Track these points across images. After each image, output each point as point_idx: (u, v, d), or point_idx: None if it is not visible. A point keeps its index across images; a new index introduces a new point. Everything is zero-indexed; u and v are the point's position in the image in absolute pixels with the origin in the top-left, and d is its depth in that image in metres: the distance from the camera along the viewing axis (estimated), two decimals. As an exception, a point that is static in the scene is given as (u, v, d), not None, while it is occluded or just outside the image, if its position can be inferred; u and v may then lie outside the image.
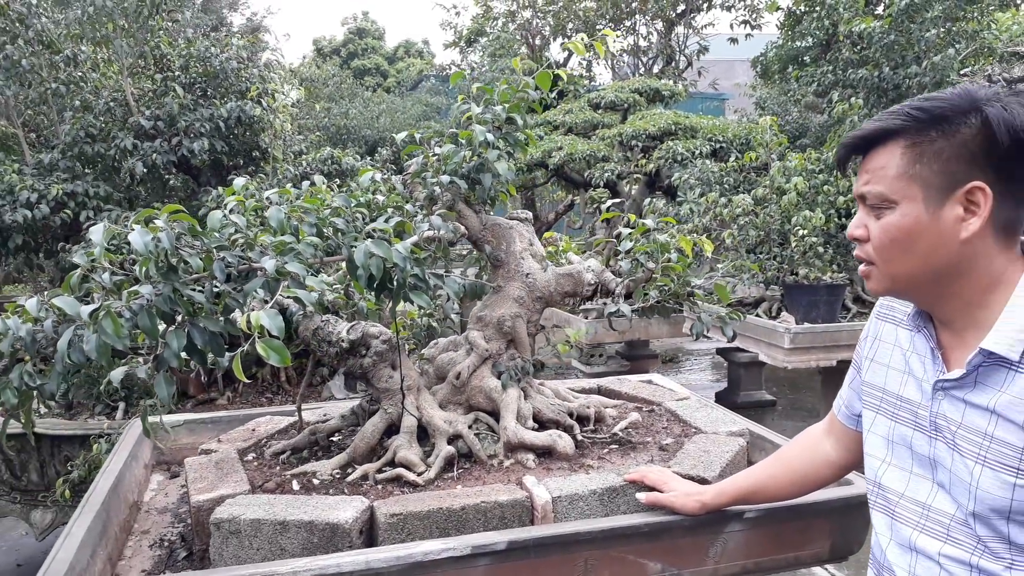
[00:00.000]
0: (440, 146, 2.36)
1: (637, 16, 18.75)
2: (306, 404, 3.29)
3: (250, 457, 2.37)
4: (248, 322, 1.56)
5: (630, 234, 2.45)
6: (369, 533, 1.89)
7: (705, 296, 2.46)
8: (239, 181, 2.06)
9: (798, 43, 11.00)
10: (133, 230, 1.56)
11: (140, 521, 2.34)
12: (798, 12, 10.26)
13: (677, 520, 1.89)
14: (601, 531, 1.82)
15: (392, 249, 1.86)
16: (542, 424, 2.37)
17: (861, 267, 1.25)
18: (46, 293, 1.66)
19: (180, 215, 1.66)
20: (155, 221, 1.63)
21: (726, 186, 6.82)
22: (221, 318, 1.75)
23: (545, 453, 2.25)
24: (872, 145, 1.18)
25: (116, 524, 2.09)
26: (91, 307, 1.51)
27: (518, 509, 1.92)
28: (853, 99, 6.36)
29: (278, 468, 2.26)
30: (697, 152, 7.60)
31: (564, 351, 2.49)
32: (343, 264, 2.67)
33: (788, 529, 2.02)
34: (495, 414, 2.33)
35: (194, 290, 1.69)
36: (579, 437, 2.35)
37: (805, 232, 5.60)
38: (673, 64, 19.06)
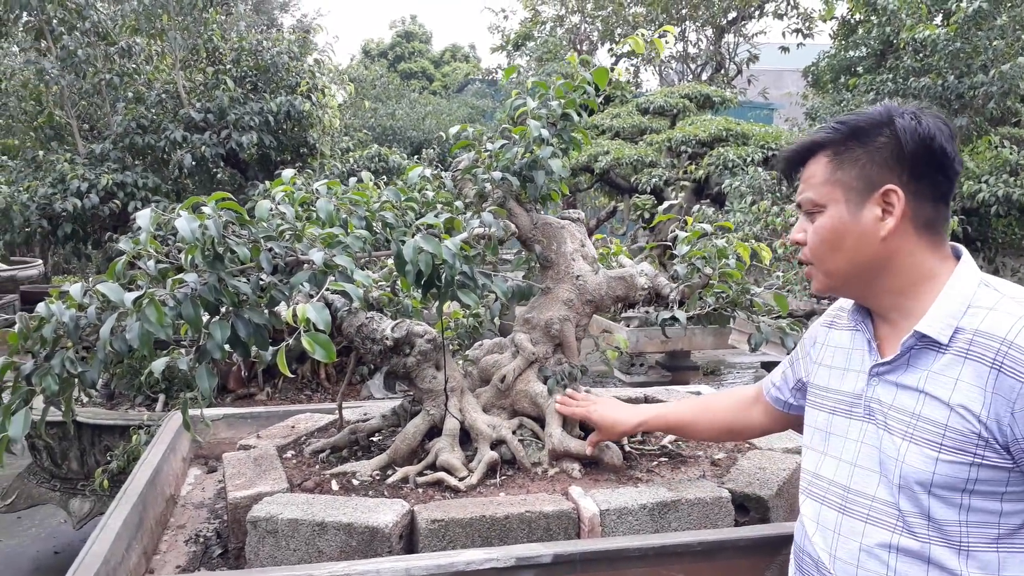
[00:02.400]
0: (492, 142, 2.30)
1: (687, 22, 18.56)
2: (346, 403, 3.25)
3: (289, 454, 2.33)
4: (294, 315, 1.52)
5: (686, 237, 2.37)
6: (409, 538, 1.84)
7: (764, 306, 2.36)
8: (287, 172, 2.02)
9: (851, 53, 10.75)
10: (180, 216, 1.52)
11: (176, 515, 2.32)
12: (852, 21, 10.02)
13: (732, 539, 1.80)
14: (652, 548, 1.73)
15: (442, 245, 1.80)
16: (588, 433, 2.29)
17: (805, 269, 1.38)
18: (91, 280, 1.64)
19: (228, 203, 1.62)
20: (202, 209, 1.60)
21: (778, 195, 6.66)
22: (266, 310, 1.72)
23: (591, 463, 2.17)
24: (805, 157, 1.33)
25: (152, 517, 2.07)
26: (135, 294, 1.48)
27: (564, 521, 1.85)
28: (915, 108, 6.14)
29: (317, 467, 2.22)
30: (749, 159, 7.45)
31: (613, 357, 2.41)
32: (389, 260, 2.63)
33: (850, 555, 1.91)
34: (540, 420, 2.26)
35: (240, 280, 1.65)
36: (627, 448, 2.27)
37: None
38: (722, 71, 18.83)
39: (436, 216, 1.90)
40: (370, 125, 14.08)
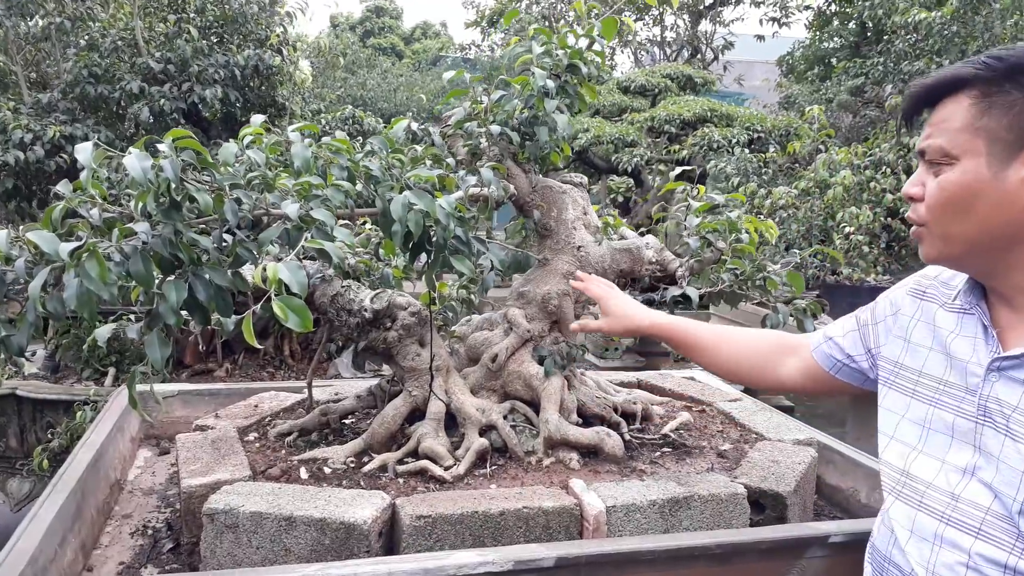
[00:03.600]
0: (487, 94, 2.09)
1: (665, 6, 18.32)
2: (314, 382, 3.03)
3: (251, 437, 2.11)
4: (263, 275, 1.30)
5: (698, 208, 2.18)
6: (390, 536, 1.63)
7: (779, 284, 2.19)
8: (257, 117, 1.78)
9: (826, 44, 10.70)
10: (130, 154, 1.29)
11: (122, 503, 2.09)
12: (828, 13, 9.94)
13: (754, 540, 1.63)
14: (666, 551, 1.55)
15: (435, 203, 1.59)
16: (586, 419, 2.11)
17: (913, 229, 1.17)
18: (21, 228, 1.40)
19: (188, 141, 1.39)
20: (157, 147, 1.36)
21: (764, 177, 6.53)
22: (229, 271, 1.49)
23: (590, 453, 1.99)
24: (940, 96, 1.10)
25: (93, 506, 1.84)
26: (73, 245, 1.25)
27: (565, 518, 1.66)
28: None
29: (283, 452, 2.00)
30: (735, 140, 7.31)
31: (616, 337, 2.21)
32: (367, 226, 2.40)
33: (875, 559, 1.76)
34: (534, 404, 2.07)
35: (199, 233, 1.42)
36: (627, 437, 2.09)
37: (852, 230, 5.31)
38: (698, 56, 18.69)
39: (428, 170, 1.68)
40: (340, 95, 13.68)
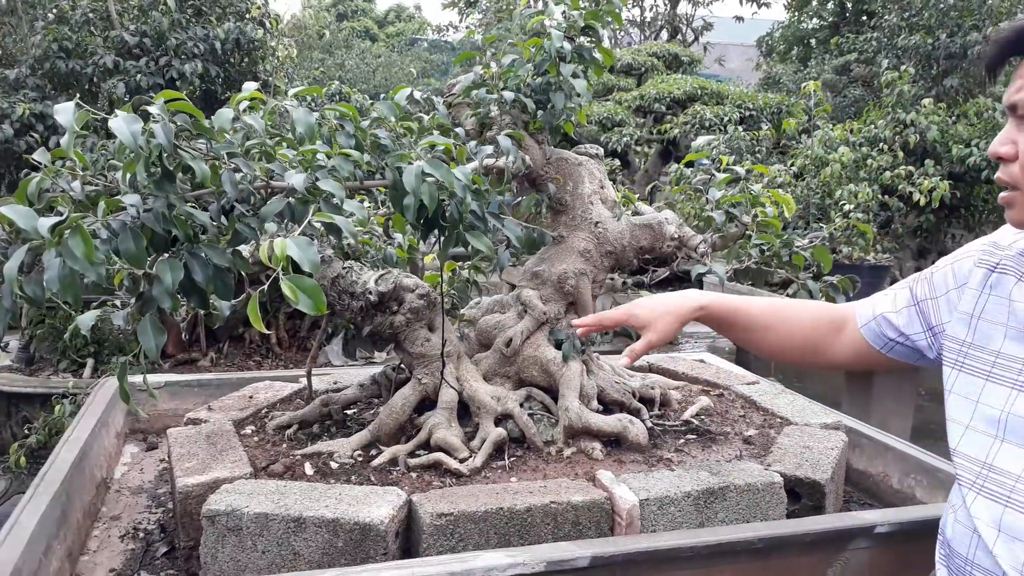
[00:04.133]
0: (496, 60, 1.96)
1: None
2: (303, 370, 2.91)
3: (248, 431, 1.98)
4: (270, 253, 1.17)
5: (721, 180, 2.07)
6: (407, 536, 1.52)
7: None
8: (250, 84, 1.64)
9: (804, 24, 10.65)
10: (117, 116, 1.15)
11: (109, 503, 1.95)
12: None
13: (795, 534, 1.53)
14: (706, 546, 1.45)
15: (451, 173, 1.46)
16: (605, 406, 2.00)
17: (1003, 194, 1.07)
18: (-6, 203, 1.25)
19: (181, 104, 1.25)
20: (148, 110, 1.22)
21: (758, 156, 6.44)
22: (229, 249, 1.36)
23: (612, 442, 1.89)
24: None
25: (79, 508, 1.71)
26: (53, 220, 1.11)
27: (596, 513, 1.55)
28: (904, 67, 5.97)
29: (284, 446, 1.87)
30: (727, 119, 7.21)
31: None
32: (364, 204, 2.27)
33: (920, 549, 1.67)
34: (551, 391, 1.95)
35: (196, 207, 1.29)
36: (649, 424, 1.98)
37: (851, 208, 5.24)
38: (679, 37, 18.59)
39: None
40: (317, 77, 13.41)
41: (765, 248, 2.00)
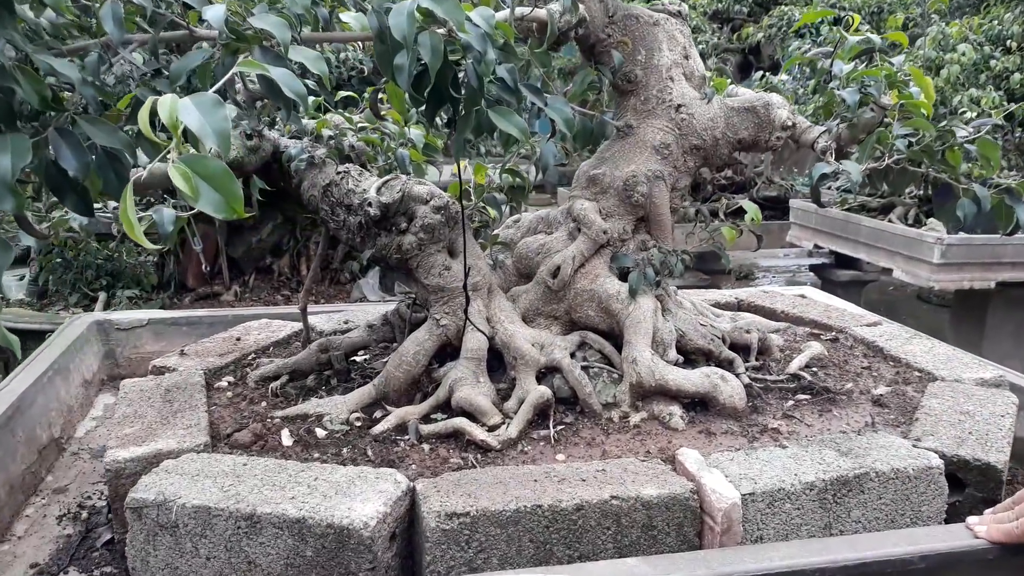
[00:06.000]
0: None
1: None
2: (327, 307, 2.53)
3: (224, 383, 1.60)
4: (151, 118, 0.74)
5: (851, 47, 1.54)
6: (407, 539, 1.11)
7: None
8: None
9: None
10: None
11: (59, 471, 1.61)
12: None
13: (975, 549, 1.07)
14: (843, 567, 1.00)
15: (462, 14, 0.99)
16: (685, 356, 1.54)
17: None
18: None
19: None
20: None
21: (860, 60, 5.68)
22: (126, 127, 0.93)
23: (697, 403, 1.43)
24: None
25: (3, 481, 1.35)
26: None
27: (676, 513, 1.11)
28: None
29: (264, 404, 1.48)
30: (820, 20, 6.40)
31: (731, 239, 1.62)
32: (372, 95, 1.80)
33: None
34: (614, 337, 1.50)
35: (59, 55, 0.86)
36: (745, 379, 1.51)
37: (972, 115, 4.52)
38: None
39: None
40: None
41: (915, 139, 1.47)
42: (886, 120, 1.55)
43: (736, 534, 1.09)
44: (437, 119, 1.17)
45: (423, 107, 1.12)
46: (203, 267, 3.87)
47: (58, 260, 3.73)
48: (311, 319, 1.93)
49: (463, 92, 1.11)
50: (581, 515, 1.07)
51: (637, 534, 1.09)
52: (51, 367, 1.72)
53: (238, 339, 1.84)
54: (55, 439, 1.66)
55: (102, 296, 3.67)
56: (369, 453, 1.28)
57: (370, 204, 1.43)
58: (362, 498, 1.06)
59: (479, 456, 1.27)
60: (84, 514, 1.43)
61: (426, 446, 1.31)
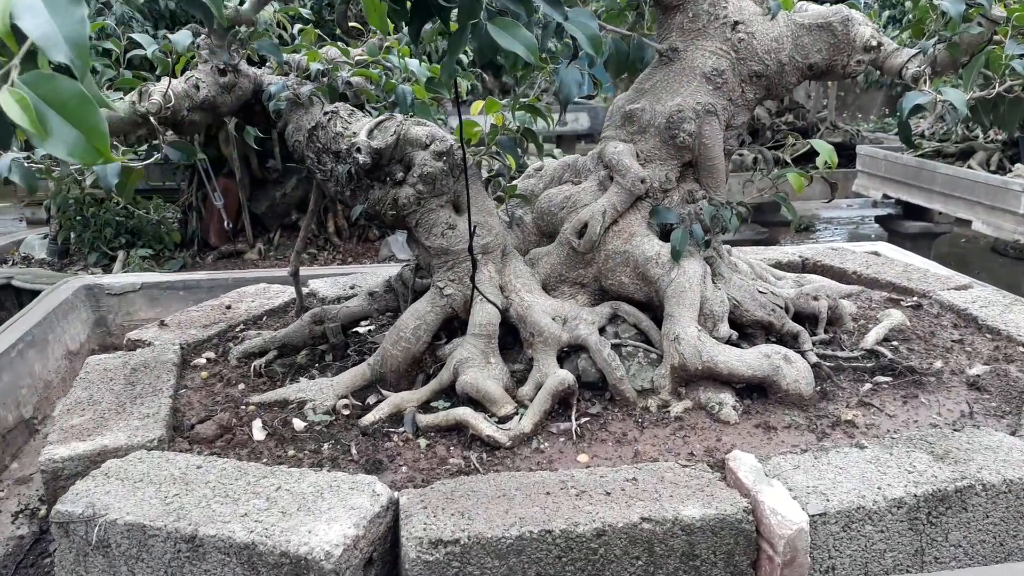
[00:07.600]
0: None
1: None
2: (335, 269, 2.35)
3: (203, 360, 1.41)
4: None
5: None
6: (390, 562, 0.91)
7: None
8: None
9: None
10: None
11: (27, 456, 1.46)
12: None
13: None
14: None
15: None
16: (740, 329, 1.30)
17: None
18: None
19: None
20: None
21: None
22: None
23: (754, 389, 1.20)
24: None
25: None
26: None
27: (726, 538, 0.88)
28: None
29: (242, 387, 1.29)
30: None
31: (799, 188, 1.35)
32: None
33: None
34: (652, 308, 1.27)
35: None
36: (813, 358, 1.27)
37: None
38: None
39: None
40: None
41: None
42: (996, 37, 1.26)
43: (802, 566, 0.87)
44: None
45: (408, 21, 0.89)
46: (225, 224, 3.71)
47: (78, 218, 3.61)
48: (314, 283, 1.74)
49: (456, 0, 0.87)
50: (603, 543, 0.85)
51: (675, 565, 0.87)
52: (21, 339, 1.56)
53: (228, 307, 1.65)
54: (25, 420, 1.51)
55: (121, 255, 3.55)
56: (353, 451, 1.08)
57: (359, 149, 1.21)
58: (329, 516, 0.86)
59: (484, 456, 1.07)
60: (43, 510, 1.28)
61: (423, 441, 1.11)
